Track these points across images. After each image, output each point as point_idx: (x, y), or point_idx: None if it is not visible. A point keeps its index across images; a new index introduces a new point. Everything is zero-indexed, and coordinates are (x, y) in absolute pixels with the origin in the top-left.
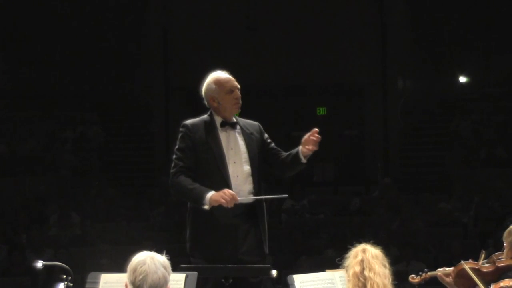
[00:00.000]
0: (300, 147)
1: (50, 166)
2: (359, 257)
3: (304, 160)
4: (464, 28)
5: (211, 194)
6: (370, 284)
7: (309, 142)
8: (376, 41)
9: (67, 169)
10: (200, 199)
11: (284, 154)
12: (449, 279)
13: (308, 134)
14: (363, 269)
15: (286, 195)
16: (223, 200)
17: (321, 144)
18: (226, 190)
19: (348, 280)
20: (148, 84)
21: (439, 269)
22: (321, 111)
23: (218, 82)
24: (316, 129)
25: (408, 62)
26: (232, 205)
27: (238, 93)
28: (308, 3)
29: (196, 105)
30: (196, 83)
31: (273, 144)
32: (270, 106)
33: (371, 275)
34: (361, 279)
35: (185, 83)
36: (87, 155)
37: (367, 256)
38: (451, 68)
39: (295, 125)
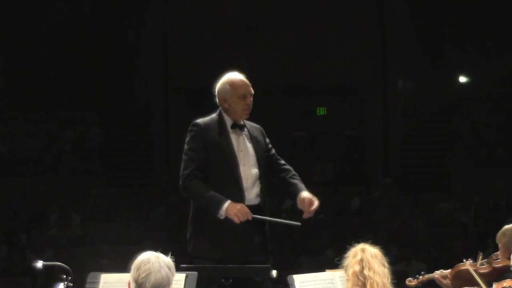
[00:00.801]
0: (298, 200)
1: (50, 166)
2: (359, 257)
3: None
4: (464, 28)
5: (227, 205)
6: (370, 283)
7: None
8: (376, 41)
9: (67, 169)
10: (217, 208)
11: (285, 168)
12: (446, 281)
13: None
14: (362, 268)
15: (299, 224)
16: (236, 218)
17: (321, 144)
18: (242, 207)
19: (348, 280)
20: (148, 84)
21: (436, 271)
22: (321, 111)
23: (232, 85)
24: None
25: (408, 62)
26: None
27: (250, 99)
28: (308, 3)
29: (196, 105)
30: (196, 83)
31: (273, 151)
32: (270, 106)
33: (371, 274)
34: (361, 278)
35: (185, 83)
36: (87, 155)
37: (366, 256)
38: (451, 68)
39: (295, 125)
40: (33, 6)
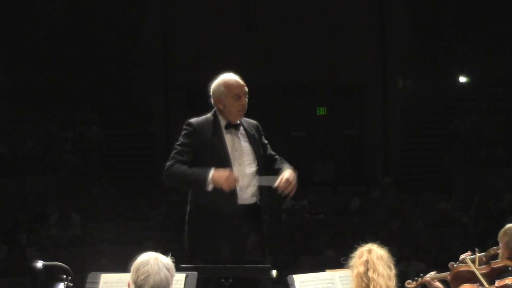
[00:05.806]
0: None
1: (50, 166)
2: (364, 258)
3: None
4: (464, 28)
5: (211, 174)
6: (373, 285)
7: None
8: (376, 41)
9: (67, 169)
10: (203, 180)
11: (276, 159)
12: (436, 284)
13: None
14: (367, 270)
15: (271, 185)
16: (225, 186)
17: (321, 144)
18: (230, 174)
19: (352, 280)
20: (148, 84)
21: (429, 274)
22: (321, 111)
23: (227, 85)
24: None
25: (408, 62)
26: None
27: (244, 100)
28: (308, 3)
29: (196, 105)
30: (196, 83)
31: (269, 150)
32: (270, 106)
33: (375, 276)
34: (365, 279)
35: (185, 83)
36: (87, 155)
37: (372, 257)
38: (451, 68)
39: (295, 125)
40: (33, 6)
